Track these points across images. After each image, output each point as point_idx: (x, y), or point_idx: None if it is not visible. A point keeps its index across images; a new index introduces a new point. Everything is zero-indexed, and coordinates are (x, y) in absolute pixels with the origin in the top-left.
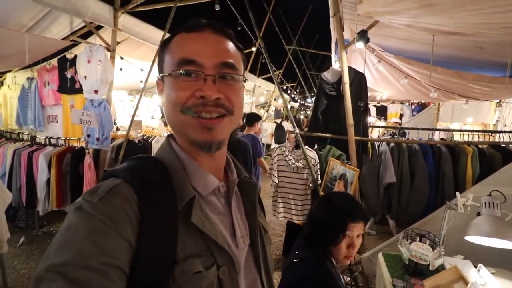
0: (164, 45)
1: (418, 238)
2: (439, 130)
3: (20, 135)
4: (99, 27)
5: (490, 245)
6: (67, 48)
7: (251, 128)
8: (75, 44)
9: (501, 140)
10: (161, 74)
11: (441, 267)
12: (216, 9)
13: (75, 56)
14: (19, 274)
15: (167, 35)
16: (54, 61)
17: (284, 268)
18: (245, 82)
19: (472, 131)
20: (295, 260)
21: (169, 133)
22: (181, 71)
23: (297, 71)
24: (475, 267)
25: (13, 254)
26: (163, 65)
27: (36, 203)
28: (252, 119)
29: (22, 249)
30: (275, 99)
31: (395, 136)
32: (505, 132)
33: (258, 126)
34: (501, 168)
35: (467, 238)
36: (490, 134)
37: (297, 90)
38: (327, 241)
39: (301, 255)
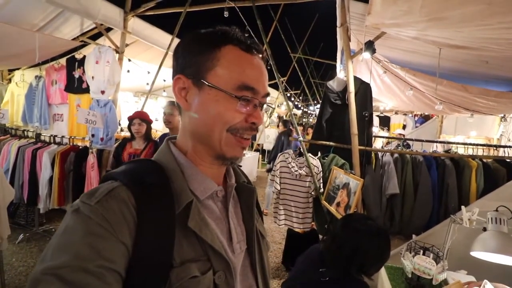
0: (205, 47)
1: (421, 251)
2: (443, 142)
3: (25, 132)
4: (108, 29)
5: (496, 262)
6: (76, 49)
7: None
8: (84, 44)
9: (506, 154)
10: (200, 79)
11: (444, 282)
12: (225, 15)
13: (84, 57)
14: (17, 271)
15: (176, 40)
16: (62, 61)
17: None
18: None
19: (477, 145)
20: (323, 279)
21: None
22: (243, 95)
23: (301, 78)
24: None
25: (12, 251)
26: (201, 69)
27: (37, 201)
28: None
29: (20, 246)
30: (278, 106)
31: (399, 147)
32: (509, 147)
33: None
34: (506, 183)
35: (472, 253)
36: (494, 148)
37: (301, 97)
38: (369, 271)
39: (335, 274)
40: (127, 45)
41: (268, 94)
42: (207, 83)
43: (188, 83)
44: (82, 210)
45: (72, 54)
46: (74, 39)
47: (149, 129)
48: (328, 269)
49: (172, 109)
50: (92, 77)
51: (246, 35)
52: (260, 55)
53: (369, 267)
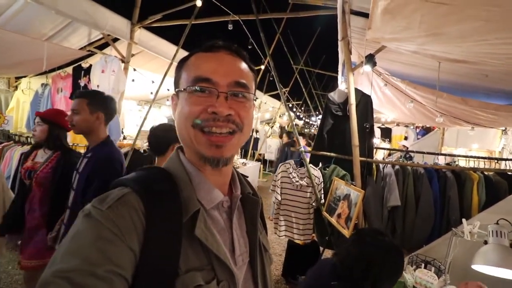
0: (181, 63)
1: (423, 265)
2: (445, 155)
3: (28, 138)
4: (115, 40)
5: (497, 275)
6: (83, 58)
7: None
8: (91, 54)
9: (507, 167)
10: (176, 89)
11: None
12: (229, 28)
13: (90, 66)
14: (12, 279)
15: (181, 51)
16: (69, 69)
17: None
18: (255, 100)
19: (478, 157)
20: None
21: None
22: (195, 87)
23: (303, 89)
24: None
25: (8, 258)
26: (179, 82)
27: None
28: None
29: (17, 254)
30: (280, 116)
31: (401, 159)
32: (511, 160)
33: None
34: (508, 196)
35: (473, 266)
36: (496, 161)
37: (302, 108)
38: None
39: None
40: (133, 55)
41: (238, 83)
42: (176, 90)
43: (174, 98)
44: (93, 214)
45: (79, 63)
46: (81, 48)
47: (54, 134)
48: (340, 283)
49: (79, 103)
50: (98, 86)
51: (249, 47)
52: (226, 51)
53: (382, 283)
